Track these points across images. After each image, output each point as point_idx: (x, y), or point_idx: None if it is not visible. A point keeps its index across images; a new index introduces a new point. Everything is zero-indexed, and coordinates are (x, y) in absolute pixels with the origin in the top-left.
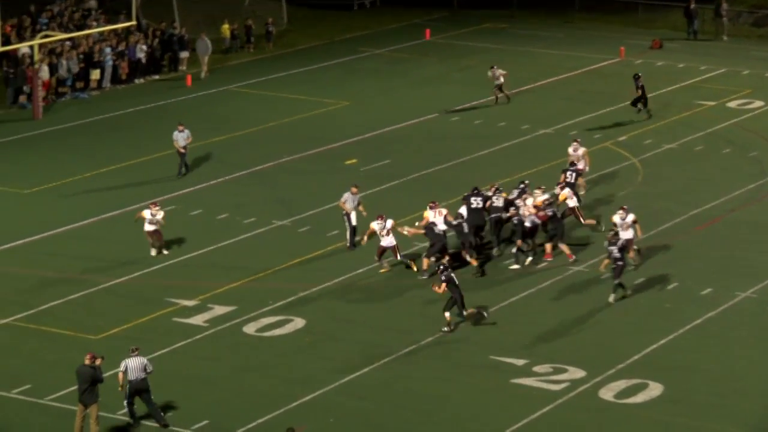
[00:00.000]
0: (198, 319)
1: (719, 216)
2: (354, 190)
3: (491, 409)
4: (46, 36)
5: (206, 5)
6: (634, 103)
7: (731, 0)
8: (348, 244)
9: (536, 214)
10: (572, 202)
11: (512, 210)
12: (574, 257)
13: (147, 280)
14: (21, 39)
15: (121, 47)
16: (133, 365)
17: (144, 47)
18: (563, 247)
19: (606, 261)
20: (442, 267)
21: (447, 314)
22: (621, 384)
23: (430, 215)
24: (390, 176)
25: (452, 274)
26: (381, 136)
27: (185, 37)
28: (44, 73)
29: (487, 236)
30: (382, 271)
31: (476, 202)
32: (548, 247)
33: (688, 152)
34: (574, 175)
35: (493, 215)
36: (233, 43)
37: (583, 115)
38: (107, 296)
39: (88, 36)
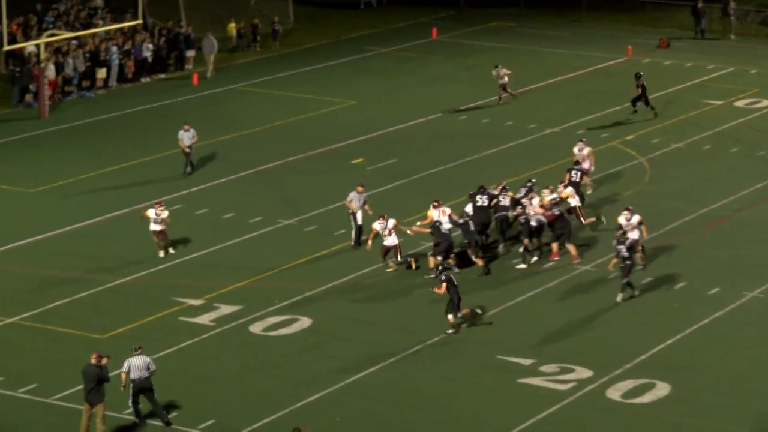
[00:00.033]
0: (204, 319)
1: (727, 215)
2: (360, 189)
3: (498, 409)
4: (53, 35)
5: (213, 4)
6: (633, 102)
7: None
8: (352, 243)
9: (543, 214)
10: (574, 201)
11: (519, 209)
12: (579, 259)
13: (153, 280)
14: (27, 38)
15: (128, 46)
16: (136, 364)
17: (150, 46)
18: (570, 247)
19: (614, 260)
20: (440, 268)
21: (450, 317)
22: (628, 384)
23: (434, 214)
24: (396, 175)
25: (451, 275)
26: (387, 135)
27: (191, 36)
28: (50, 71)
29: (493, 235)
30: (388, 270)
31: (482, 200)
32: (554, 246)
33: (695, 151)
34: (579, 174)
35: (499, 214)
36: (239, 42)
37: (590, 114)
38: (113, 295)
39: (94, 35)
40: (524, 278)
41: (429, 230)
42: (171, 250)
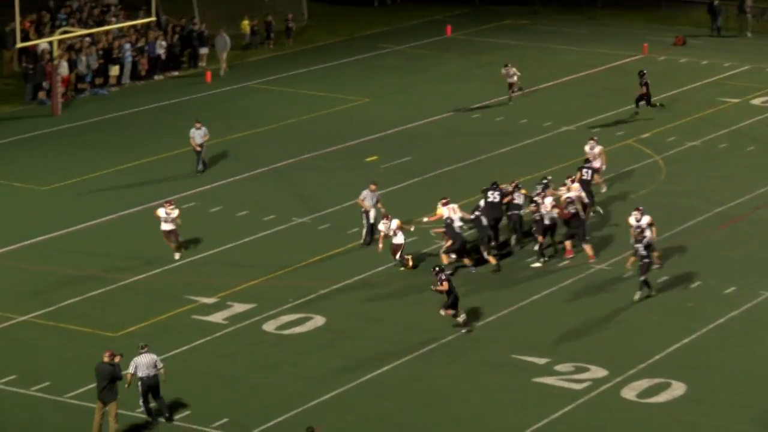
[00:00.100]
0: (217, 317)
1: (743, 214)
2: (373, 187)
3: (512, 408)
4: (66, 32)
5: (226, 1)
6: (637, 102)
7: None
8: (363, 241)
9: (560, 212)
10: (562, 189)
11: (532, 206)
12: (595, 258)
13: (166, 278)
14: (40, 35)
15: (141, 43)
16: (143, 362)
17: (164, 43)
18: (587, 247)
19: (632, 258)
20: (438, 269)
21: (447, 312)
22: (643, 383)
23: (444, 212)
24: (410, 173)
25: (450, 275)
26: (401, 133)
27: (205, 33)
28: (63, 69)
29: (504, 233)
30: (403, 269)
31: (493, 195)
32: (568, 244)
33: (711, 150)
34: (590, 172)
35: (512, 212)
36: (253, 39)
37: (606, 112)
38: (126, 293)
39: (107, 32)
40: (539, 277)
41: (443, 230)
42: (183, 249)
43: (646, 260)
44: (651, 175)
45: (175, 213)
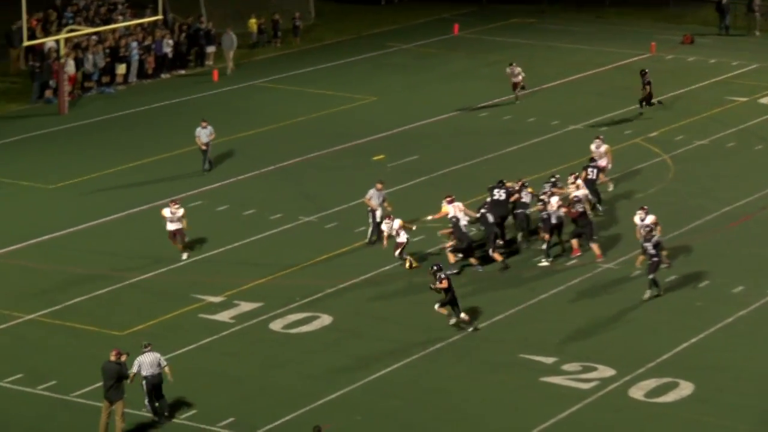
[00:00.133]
0: (224, 316)
1: (751, 213)
2: (379, 186)
3: (519, 408)
4: (72, 30)
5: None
6: (641, 103)
7: None
8: (368, 240)
9: (567, 211)
10: (571, 188)
11: (539, 205)
12: (603, 258)
13: (173, 277)
14: (47, 33)
15: (148, 42)
16: (147, 361)
17: (170, 42)
18: (594, 246)
19: (641, 257)
20: (436, 267)
21: (462, 314)
22: (651, 383)
23: (449, 210)
24: (418, 172)
25: (457, 274)
26: (408, 132)
27: (212, 32)
28: (70, 67)
29: (511, 232)
30: (413, 267)
31: (499, 193)
32: (575, 242)
33: (719, 149)
34: (595, 171)
35: (519, 211)
36: (260, 38)
37: (613, 111)
38: (133, 292)
39: (114, 30)
40: (546, 276)
41: (451, 230)
42: (188, 251)
43: (655, 259)
44: (659, 174)
45: (180, 212)
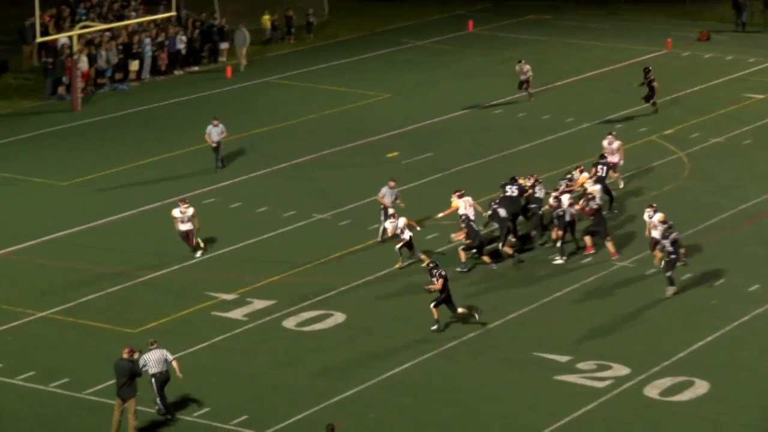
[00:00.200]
0: (237, 313)
1: (767, 211)
2: (392, 184)
3: (533, 406)
4: (85, 26)
5: None
6: (647, 100)
7: None
8: (380, 238)
9: (582, 209)
10: (586, 184)
11: (553, 202)
12: (618, 256)
13: (186, 274)
14: (60, 29)
15: (161, 38)
16: (154, 358)
17: (184, 38)
18: (609, 244)
19: (659, 254)
20: (432, 265)
21: (460, 309)
22: (666, 382)
23: (460, 204)
24: (432, 169)
25: (445, 273)
26: (423, 129)
27: (225, 28)
28: (83, 64)
29: (523, 229)
30: (423, 264)
31: (511, 190)
32: (588, 240)
33: (735, 146)
34: (605, 168)
35: (533, 205)
36: (273, 35)
37: (629, 108)
38: (146, 289)
39: (127, 27)
40: (561, 274)
41: (465, 231)
42: (201, 249)
43: (673, 256)
44: (674, 172)
45: (190, 212)
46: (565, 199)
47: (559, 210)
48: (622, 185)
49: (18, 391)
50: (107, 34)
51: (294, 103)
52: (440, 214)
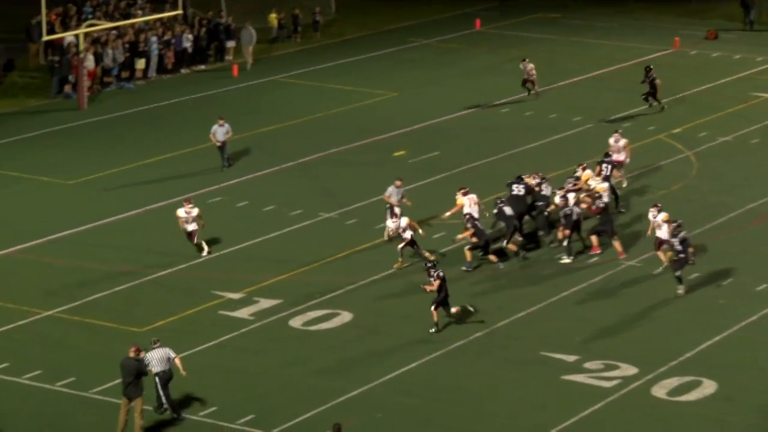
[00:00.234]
0: (244, 313)
1: None
2: (398, 183)
3: (541, 406)
4: (92, 25)
5: None
6: (650, 99)
7: None
8: (387, 238)
9: (588, 208)
10: (594, 183)
11: (560, 201)
12: (625, 255)
13: (192, 273)
14: (66, 28)
15: (167, 36)
16: (157, 357)
17: (190, 37)
18: (616, 243)
19: (669, 253)
20: (430, 265)
21: (453, 309)
22: (674, 381)
23: (465, 202)
24: (439, 168)
25: (443, 274)
26: (429, 128)
27: (232, 27)
28: (89, 62)
29: (528, 228)
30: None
31: (518, 189)
32: (594, 239)
33: (743, 145)
34: (609, 167)
35: (539, 203)
36: (280, 33)
37: (637, 107)
38: (152, 288)
39: (133, 25)
40: (568, 273)
41: (472, 231)
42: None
43: (682, 255)
44: (682, 171)
45: (195, 212)
46: (571, 197)
47: (567, 209)
48: (625, 184)
49: (24, 390)
50: (114, 32)
51: (300, 102)
52: (447, 214)
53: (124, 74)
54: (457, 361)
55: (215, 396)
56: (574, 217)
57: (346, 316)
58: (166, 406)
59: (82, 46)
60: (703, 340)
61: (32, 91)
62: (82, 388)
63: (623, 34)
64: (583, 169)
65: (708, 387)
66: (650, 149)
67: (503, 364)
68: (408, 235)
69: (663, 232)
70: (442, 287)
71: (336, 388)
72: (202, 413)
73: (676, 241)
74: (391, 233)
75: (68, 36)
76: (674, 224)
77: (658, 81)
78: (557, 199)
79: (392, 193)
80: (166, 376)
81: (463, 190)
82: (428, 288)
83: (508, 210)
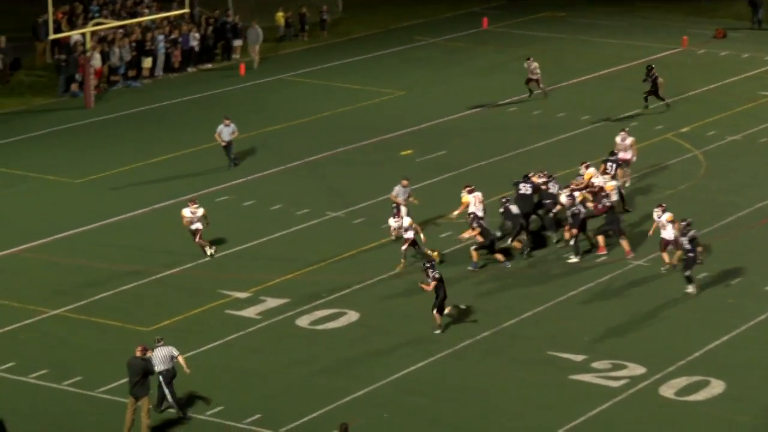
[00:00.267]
0: (250, 312)
1: None
2: (405, 182)
3: (548, 406)
4: (98, 23)
5: None
6: (660, 98)
7: None
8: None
9: (594, 207)
10: (597, 181)
11: (567, 200)
12: (632, 254)
13: (199, 272)
14: (73, 26)
15: (174, 35)
16: (160, 356)
17: (197, 35)
18: (623, 243)
19: (678, 253)
20: (428, 265)
21: (447, 309)
22: (682, 381)
23: (470, 199)
24: (446, 167)
25: (440, 275)
26: (437, 127)
27: (239, 26)
28: (96, 61)
29: (534, 226)
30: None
31: (525, 187)
32: (601, 239)
33: (752, 144)
34: (614, 166)
35: (546, 201)
36: (287, 32)
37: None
38: (158, 287)
39: (140, 24)
40: (576, 273)
41: (478, 230)
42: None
43: (691, 254)
44: (690, 170)
45: (200, 211)
46: (578, 195)
47: (574, 208)
48: (628, 183)
49: (31, 389)
50: (120, 31)
51: (307, 101)
52: (455, 213)
53: (131, 73)
54: (463, 361)
55: (222, 395)
56: (582, 215)
57: (352, 316)
58: (167, 404)
59: (88, 45)
60: (711, 340)
61: (39, 89)
62: (89, 388)
63: (631, 33)
64: (586, 167)
65: (716, 387)
66: (658, 148)
67: (510, 364)
68: (410, 234)
69: (668, 233)
70: (439, 289)
71: (343, 387)
72: (208, 412)
73: (685, 240)
74: (393, 232)
75: (75, 35)
76: (684, 223)
77: (660, 79)
78: (563, 198)
79: (399, 193)
80: (170, 375)
81: (468, 188)
82: (425, 287)
83: (514, 208)
